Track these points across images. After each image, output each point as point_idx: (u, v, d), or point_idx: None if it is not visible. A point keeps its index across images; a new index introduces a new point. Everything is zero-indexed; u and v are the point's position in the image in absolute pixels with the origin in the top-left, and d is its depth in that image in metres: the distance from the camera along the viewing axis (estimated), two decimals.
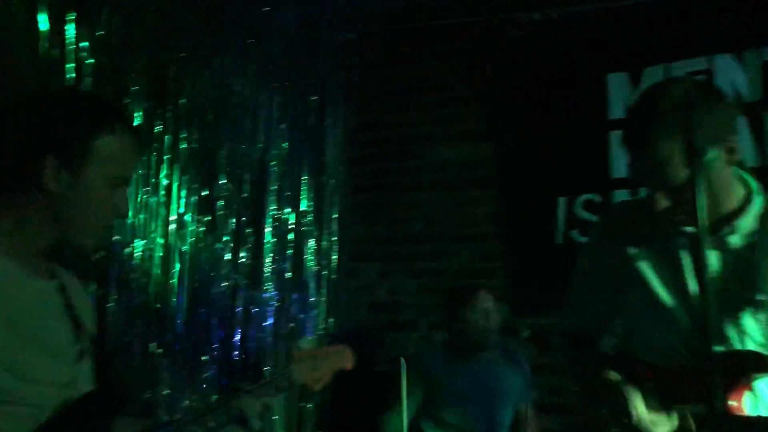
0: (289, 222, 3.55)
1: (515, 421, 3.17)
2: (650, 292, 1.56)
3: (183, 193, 2.80)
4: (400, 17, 3.99)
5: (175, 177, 2.74)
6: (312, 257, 3.72)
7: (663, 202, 1.44)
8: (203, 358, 2.82)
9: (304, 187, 3.66)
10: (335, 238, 3.89)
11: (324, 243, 3.82)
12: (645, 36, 3.34)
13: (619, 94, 3.42)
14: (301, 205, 3.65)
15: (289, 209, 3.56)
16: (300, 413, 3.52)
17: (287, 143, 3.53)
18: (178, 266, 2.75)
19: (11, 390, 1.28)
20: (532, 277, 3.61)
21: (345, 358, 1.75)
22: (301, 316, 3.63)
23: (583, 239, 3.49)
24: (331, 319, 3.79)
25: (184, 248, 2.77)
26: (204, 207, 2.92)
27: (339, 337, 3.62)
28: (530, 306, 3.56)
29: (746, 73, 3.11)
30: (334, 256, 3.88)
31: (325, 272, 3.81)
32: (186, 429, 1.47)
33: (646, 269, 1.56)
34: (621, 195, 3.40)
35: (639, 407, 1.46)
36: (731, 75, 3.13)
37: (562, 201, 3.58)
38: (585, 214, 3.53)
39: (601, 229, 1.86)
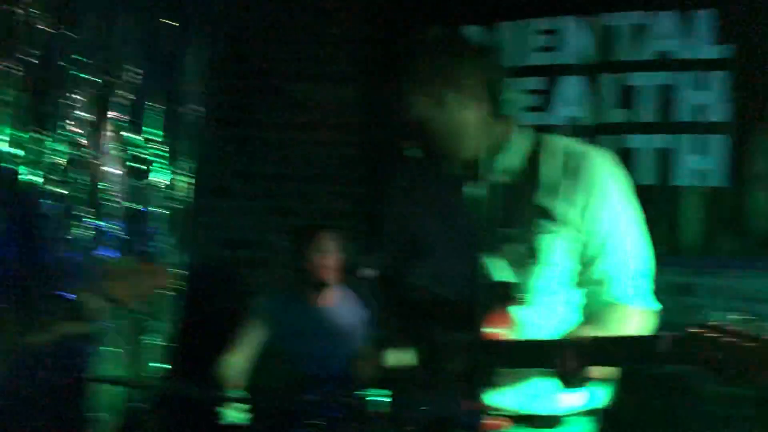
0: (141, 152, 3.44)
1: (354, 360, 3.25)
2: (437, 231, 1.65)
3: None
4: None
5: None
6: (166, 190, 3.63)
7: (411, 142, 1.56)
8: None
9: (158, 117, 3.54)
10: (190, 171, 3.80)
11: (179, 176, 3.73)
12: None
13: None
14: (154, 135, 3.53)
15: (141, 139, 3.44)
16: (140, 347, 3.48)
17: (139, 70, 3.38)
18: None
19: None
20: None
21: (160, 277, 1.77)
22: (151, 249, 3.55)
23: None
24: (185, 255, 3.73)
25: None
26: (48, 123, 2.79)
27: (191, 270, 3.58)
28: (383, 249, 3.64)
29: (589, 36, 3.26)
30: (190, 190, 3.80)
31: (180, 206, 3.73)
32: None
33: (429, 211, 1.67)
34: None
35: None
36: (575, 36, 3.28)
37: None
38: None
39: (402, 177, 1.94)
